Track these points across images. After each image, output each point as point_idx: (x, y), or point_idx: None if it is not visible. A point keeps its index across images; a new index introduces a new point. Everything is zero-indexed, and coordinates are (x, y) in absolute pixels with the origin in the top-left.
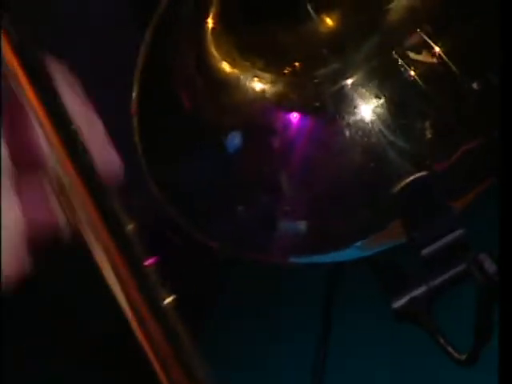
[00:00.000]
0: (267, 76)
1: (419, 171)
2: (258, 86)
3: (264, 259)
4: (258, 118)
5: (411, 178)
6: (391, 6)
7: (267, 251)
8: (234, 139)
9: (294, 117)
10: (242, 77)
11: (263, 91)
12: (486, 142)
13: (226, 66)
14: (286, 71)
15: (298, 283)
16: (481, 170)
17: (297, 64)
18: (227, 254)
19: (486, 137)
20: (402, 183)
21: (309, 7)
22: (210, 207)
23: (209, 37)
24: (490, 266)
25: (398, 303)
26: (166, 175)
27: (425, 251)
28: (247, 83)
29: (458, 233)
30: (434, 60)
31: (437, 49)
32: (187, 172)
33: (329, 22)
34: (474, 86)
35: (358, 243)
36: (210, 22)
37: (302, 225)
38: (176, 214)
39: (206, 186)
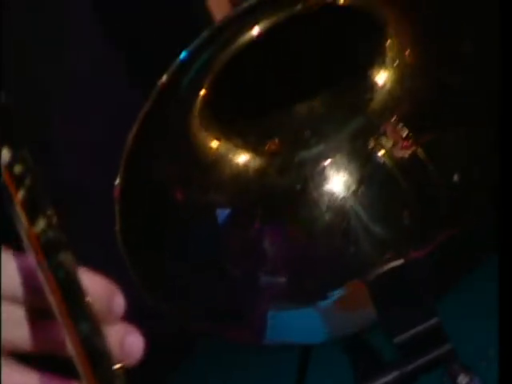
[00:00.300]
0: (249, 155)
1: (394, 259)
2: (240, 164)
3: (240, 337)
4: (241, 194)
5: (386, 267)
6: (374, 94)
7: (246, 325)
8: (221, 215)
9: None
10: (225, 155)
11: (246, 169)
12: (460, 234)
13: (210, 146)
14: (267, 151)
15: (268, 369)
16: (455, 261)
17: (280, 144)
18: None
19: (461, 228)
20: (379, 271)
21: (296, 95)
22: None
23: (196, 119)
24: (462, 379)
25: None
26: (149, 258)
27: (398, 338)
28: (230, 161)
29: (432, 321)
30: (411, 151)
31: (412, 139)
32: (172, 255)
33: (313, 105)
34: (454, 179)
35: (332, 324)
36: (198, 105)
37: (280, 281)
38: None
39: (190, 264)
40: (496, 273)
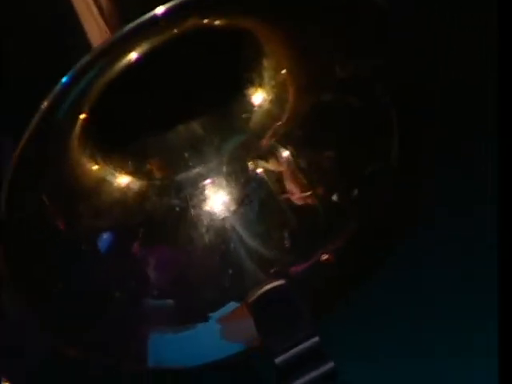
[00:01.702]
0: (129, 178)
1: (275, 279)
2: (121, 186)
3: (125, 363)
4: (122, 218)
5: (266, 287)
6: (251, 113)
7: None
8: (103, 241)
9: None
10: (106, 179)
11: (126, 192)
12: (340, 252)
13: (91, 171)
14: (147, 172)
15: None
16: (336, 279)
17: (159, 167)
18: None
19: (340, 246)
20: (258, 292)
21: (174, 115)
22: (80, 311)
23: (75, 144)
24: None
25: None
26: (35, 290)
27: (279, 359)
28: (111, 185)
29: (312, 341)
30: (289, 170)
31: (287, 155)
32: (56, 283)
33: (191, 127)
34: (333, 198)
35: (216, 342)
36: (78, 130)
37: (165, 304)
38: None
39: (76, 292)
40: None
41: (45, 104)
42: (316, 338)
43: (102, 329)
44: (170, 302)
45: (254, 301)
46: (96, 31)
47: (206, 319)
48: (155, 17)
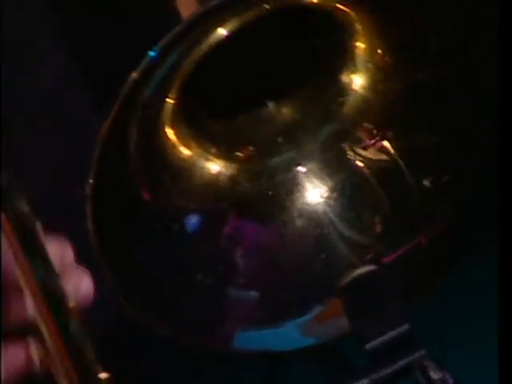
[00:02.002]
0: (221, 162)
1: (367, 264)
2: (212, 171)
3: (210, 343)
4: (212, 201)
5: (358, 271)
6: (346, 98)
7: (216, 331)
8: (191, 222)
9: None
10: (197, 162)
11: (217, 176)
12: (433, 238)
13: (182, 152)
14: (240, 157)
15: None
16: (428, 265)
17: (251, 151)
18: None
19: (433, 232)
20: (350, 276)
21: (266, 97)
22: (164, 288)
23: (166, 123)
24: (434, 373)
25: None
26: (120, 260)
27: (369, 345)
28: (202, 168)
29: (402, 328)
30: (384, 156)
31: (386, 144)
32: (142, 255)
33: (285, 111)
34: (424, 183)
35: (305, 329)
36: (168, 110)
37: (252, 296)
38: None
39: (160, 268)
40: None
41: (134, 75)
42: (407, 326)
43: (185, 309)
44: (261, 294)
45: (345, 285)
46: (185, 3)
47: (302, 314)
48: None
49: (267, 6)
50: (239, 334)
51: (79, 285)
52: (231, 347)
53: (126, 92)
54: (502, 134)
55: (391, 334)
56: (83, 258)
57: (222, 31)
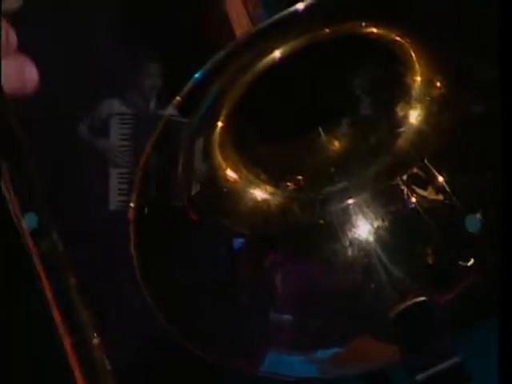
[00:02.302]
0: (270, 188)
1: (419, 295)
2: (261, 196)
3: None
4: (261, 227)
5: (410, 302)
6: (401, 129)
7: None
8: (237, 244)
9: None
10: (245, 186)
11: (266, 202)
12: (484, 281)
13: (231, 176)
14: (290, 186)
15: None
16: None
17: (303, 179)
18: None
19: (484, 275)
20: (403, 305)
21: (319, 128)
22: (203, 310)
23: (215, 146)
24: None
25: None
26: (163, 281)
27: (419, 376)
28: (251, 193)
29: (452, 361)
30: (439, 195)
31: (440, 179)
32: (187, 276)
33: (338, 140)
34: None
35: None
36: (218, 133)
37: (293, 321)
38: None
39: (202, 289)
40: None
41: (178, 98)
42: (457, 358)
43: (225, 329)
44: (295, 319)
45: (397, 315)
46: (239, 19)
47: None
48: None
49: (327, 30)
50: (271, 357)
51: (23, 69)
52: (257, 370)
53: (168, 115)
54: None
55: (442, 365)
56: (127, 278)
57: (276, 53)
